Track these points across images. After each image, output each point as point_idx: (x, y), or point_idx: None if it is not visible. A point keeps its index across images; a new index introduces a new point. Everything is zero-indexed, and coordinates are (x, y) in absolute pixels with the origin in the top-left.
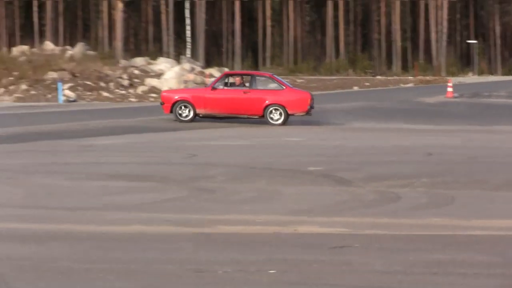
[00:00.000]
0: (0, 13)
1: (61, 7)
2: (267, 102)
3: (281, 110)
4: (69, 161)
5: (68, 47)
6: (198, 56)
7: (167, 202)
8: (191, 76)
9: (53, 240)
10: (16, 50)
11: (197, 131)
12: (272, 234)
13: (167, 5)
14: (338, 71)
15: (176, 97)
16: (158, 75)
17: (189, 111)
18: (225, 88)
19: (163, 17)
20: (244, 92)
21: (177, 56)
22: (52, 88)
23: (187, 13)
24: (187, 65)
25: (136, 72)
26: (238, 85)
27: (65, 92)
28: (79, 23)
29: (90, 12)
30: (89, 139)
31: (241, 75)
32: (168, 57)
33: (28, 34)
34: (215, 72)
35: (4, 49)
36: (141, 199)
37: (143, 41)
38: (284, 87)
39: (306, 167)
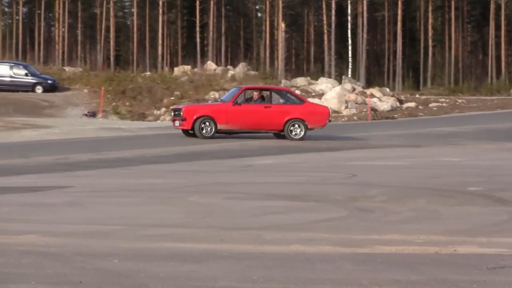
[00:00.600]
0: (163, 33)
1: (223, 28)
2: (288, 117)
3: (302, 125)
4: (228, 181)
5: (230, 67)
6: (359, 76)
7: (326, 222)
8: (352, 96)
9: (212, 259)
10: (178, 70)
11: (354, 151)
12: (432, 254)
13: (329, 26)
14: (499, 91)
15: (198, 113)
16: (320, 95)
17: (210, 126)
18: (246, 103)
19: (325, 37)
20: (265, 107)
21: (338, 76)
22: None
23: (349, 33)
24: (348, 85)
25: (297, 92)
26: (256, 100)
27: None
28: (241, 43)
29: (253, 32)
30: (248, 159)
31: (260, 89)
32: (329, 77)
33: (190, 54)
34: (376, 92)
35: (166, 69)
36: (301, 218)
37: (305, 61)
38: (303, 102)
39: (465, 187)
